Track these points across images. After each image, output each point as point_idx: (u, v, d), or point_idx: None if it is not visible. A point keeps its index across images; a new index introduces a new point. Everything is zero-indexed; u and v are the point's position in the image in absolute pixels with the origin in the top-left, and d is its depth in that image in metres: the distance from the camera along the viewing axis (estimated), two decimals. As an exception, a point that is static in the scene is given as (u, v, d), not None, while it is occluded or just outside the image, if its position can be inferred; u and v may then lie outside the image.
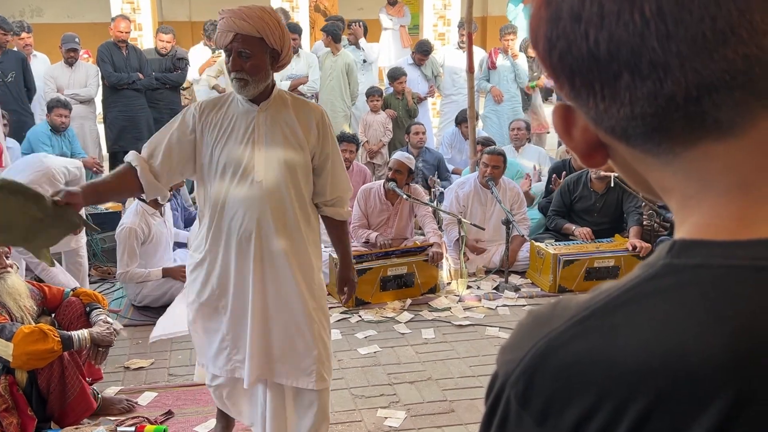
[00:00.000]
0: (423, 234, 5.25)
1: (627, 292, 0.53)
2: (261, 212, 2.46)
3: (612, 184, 5.15)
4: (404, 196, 5.00)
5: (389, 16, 9.91)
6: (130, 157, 2.48)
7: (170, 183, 2.55)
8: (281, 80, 7.24)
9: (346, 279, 2.83)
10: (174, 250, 4.96)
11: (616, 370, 0.50)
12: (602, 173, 5.13)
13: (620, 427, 0.49)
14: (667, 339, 0.50)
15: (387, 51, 9.79)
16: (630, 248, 4.91)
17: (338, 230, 2.72)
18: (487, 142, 6.18)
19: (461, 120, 7.07)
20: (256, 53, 2.36)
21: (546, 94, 9.41)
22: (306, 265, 2.57)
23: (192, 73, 7.66)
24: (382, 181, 5.22)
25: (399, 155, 5.19)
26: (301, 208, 2.53)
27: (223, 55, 2.51)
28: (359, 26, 8.09)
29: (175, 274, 4.54)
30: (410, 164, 5.10)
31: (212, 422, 3.23)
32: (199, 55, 7.81)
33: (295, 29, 7.44)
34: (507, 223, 4.84)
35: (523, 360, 0.55)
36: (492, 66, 7.95)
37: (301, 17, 9.89)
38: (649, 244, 4.94)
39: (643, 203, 5.19)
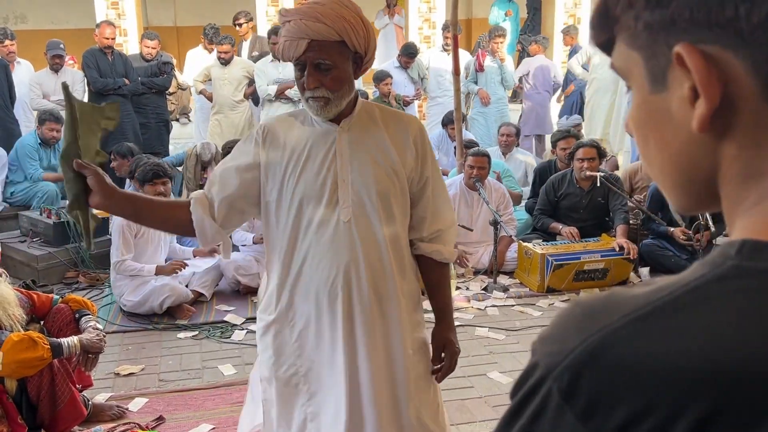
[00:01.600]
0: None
1: (691, 293, 0.51)
2: (349, 261, 1.92)
3: (598, 183, 5.20)
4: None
5: (385, 16, 10.00)
6: (195, 194, 2.00)
7: (230, 227, 2.02)
8: (267, 84, 7.25)
9: (444, 341, 2.10)
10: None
11: (675, 374, 0.49)
12: (588, 173, 5.18)
13: (674, 430, 0.48)
14: (734, 346, 0.48)
15: (378, 53, 9.82)
16: (617, 248, 4.96)
17: (437, 274, 2.10)
18: (470, 144, 6.21)
19: (447, 122, 7.11)
20: (338, 62, 1.82)
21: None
22: (404, 324, 2.02)
23: (188, 79, 7.65)
24: None
25: None
26: (396, 251, 1.98)
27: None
28: None
29: (168, 272, 4.61)
30: None
31: (204, 427, 3.23)
32: (197, 59, 7.79)
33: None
34: (495, 223, 4.88)
35: (572, 353, 0.52)
36: (480, 68, 7.99)
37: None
38: (636, 246, 4.98)
39: (629, 202, 5.24)
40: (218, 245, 2.16)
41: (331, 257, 1.92)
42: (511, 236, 5.12)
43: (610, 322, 0.52)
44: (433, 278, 2.11)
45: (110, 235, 4.84)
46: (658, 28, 0.56)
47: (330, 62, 1.82)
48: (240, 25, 8.06)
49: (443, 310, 2.12)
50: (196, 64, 7.66)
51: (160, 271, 4.59)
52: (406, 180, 1.99)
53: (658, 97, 0.58)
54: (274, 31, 7.50)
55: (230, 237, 2.12)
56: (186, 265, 4.74)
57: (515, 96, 8.60)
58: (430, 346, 2.11)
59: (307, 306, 1.96)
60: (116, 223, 4.50)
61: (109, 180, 1.81)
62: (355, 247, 1.92)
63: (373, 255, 1.94)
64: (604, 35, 0.63)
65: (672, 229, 5.07)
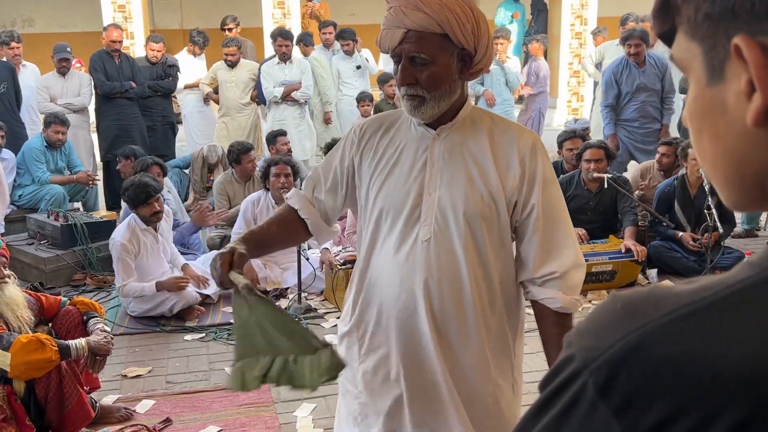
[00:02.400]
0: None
1: (736, 295, 0.51)
2: (422, 286, 1.70)
3: (605, 185, 5.18)
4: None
5: None
6: (291, 195, 1.92)
7: (336, 215, 1.93)
8: (273, 86, 7.26)
9: None
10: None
11: (716, 376, 0.48)
12: (596, 175, 5.16)
13: None
14: None
15: (384, 56, 9.86)
16: (624, 250, 4.94)
17: (548, 325, 1.77)
18: None
19: None
20: (438, 57, 1.62)
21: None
22: (483, 366, 1.76)
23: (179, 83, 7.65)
24: None
25: None
26: (488, 287, 1.74)
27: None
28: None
29: (169, 287, 4.47)
30: None
31: (211, 429, 3.23)
32: (182, 63, 7.78)
33: (288, 35, 7.46)
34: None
35: (611, 349, 0.52)
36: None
37: (294, 23, 9.91)
38: (644, 247, 4.96)
39: (637, 204, 5.22)
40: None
41: (404, 278, 1.71)
42: None
43: (651, 319, 0.52)
44: (545, 329, 1.78)
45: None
46: (719, 19, 0.55)
47: (427, 56, 1.60)
48: (229, 29, 8.05)
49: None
50: (181, 68, 7.67)
51: (160, 288, 4.45)
52: (506, 204, 1.70)
53: (714, 89, 0.57)
54: (279, 34, 7.51)
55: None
56: (189, 282, 4.61)
57: (521, 100, 8.57)
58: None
59: (376, 327, 1.77)
60: (113, 250, 4.40)
61: (238, 254, 1.69)
62: (431, 271, 1.69)
63: (451, 283, 1.69)
64: (666, 25, 0.62)
65: (681, 234, 5.05)
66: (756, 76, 0.53)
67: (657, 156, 5.75)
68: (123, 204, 5.07)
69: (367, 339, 1.79)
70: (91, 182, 6.40)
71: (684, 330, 0.50)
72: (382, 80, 7.59)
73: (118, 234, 4.45)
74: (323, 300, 4.83)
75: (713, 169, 0.60)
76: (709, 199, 4.85)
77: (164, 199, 4.81)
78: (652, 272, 5.19)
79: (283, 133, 6.51)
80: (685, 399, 0.49)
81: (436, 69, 1.62)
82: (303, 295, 4.73)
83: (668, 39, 0.63)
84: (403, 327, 1.72)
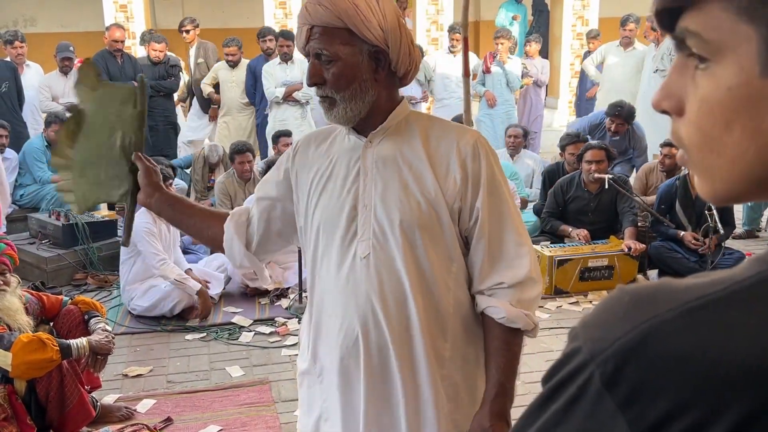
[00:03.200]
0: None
1: (747, 290, 0.50)
2: (366, 308, 1.53)
3: (606, 186, 5.18)
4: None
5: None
6: (237, 209, 1.77)
7: (267, 251, 1.75)
8: (275, 86, 7.27)
9: (483, 427, 1.52)
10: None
11: (725, 369, 0.48)
12: (596, 176, 5.16)
13: (716, 426, 0.48)
14: None
15: None
16: (625, 249, 4.95)
17: (492, 338, 1.57)
18: None
19: None
20: (342, 54, 1.48)
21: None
22: (440, 403, 1.57)
23: None
24: None
25: None
26: (436, 308, 1.56)
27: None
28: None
29: (196, 281, 4.50)
30: None
31: (212, 428, 3.24)
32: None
33: (289, 36, 7.46)
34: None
35: (619, 340, 0.51)
36: (487, 70, 7.99)
37: (296, 24, 9.91)
38: (644, 245, 4.97)
39: (637, 204, 5.22)
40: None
41: (346, 303, 1.55)
42: None
43: (660, 312, 0.51)
44: (489, 343, 1.58)
45: (119, 237, 4.84)
46: None
47: (329, 53, 1.47)
48: (187, 31, 8.02)
49: (491, 389, 1.54)
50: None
51: (192, 276, 4.52)
52: (448, 212, 1.53)
53: None
54: (281, 34, 7.52)
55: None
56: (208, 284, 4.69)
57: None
58: None
59: (327, 362, 1.60)
60: (140, 233, 4.36)
61: (158, 178, 1.72)
62: (373, 289, 1.52)
63: (396, 303, 1.53)
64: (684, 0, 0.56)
65: (682, 233, 5.06)
66: None
67: (660, 157, 5.76)
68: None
69: (324, 378, 1.62)
70: None
71: (694, 323, 0.50)
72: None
73: (140, 223, 4.39)
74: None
75: (732, 164, 0.56)
76: (710, 200, 4.85)
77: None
78: (653, 273, 5.19)
79: (287, 134, 6.51)
80: (693, 392, 0.49)
81: (342, 67, 1.48)
82: (304, 294, 4.74)
83: (673, 15, 0.58)
84: (350, 363, 1.55)
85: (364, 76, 1.50)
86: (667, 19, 0.58)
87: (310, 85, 1.53)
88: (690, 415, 0.49)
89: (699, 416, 0.48)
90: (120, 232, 4.91)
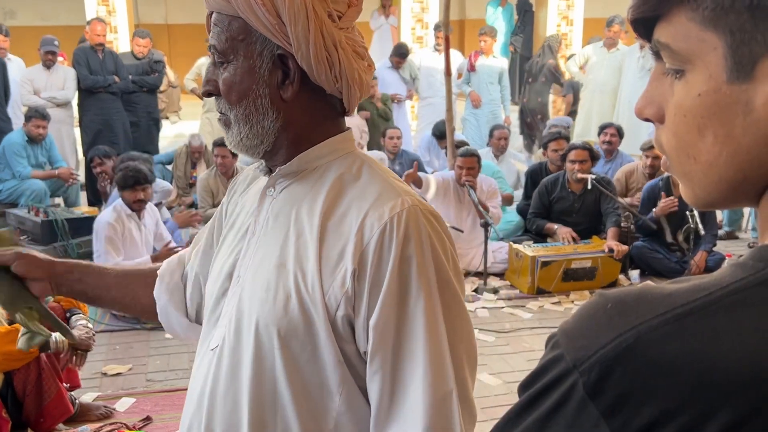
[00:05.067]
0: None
1: (731, 295, 0.50)
2: (193, 415, 1.11)
3: (589, 186, 5.20)
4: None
5: (380, 16, 10.04)
6: (164, 266, 1.34)
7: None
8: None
9: None
10: None
11: (711, 376, 0.48)
12: (580, 175, 5.18)
13: None
14: None
15: (373, 53, 9.85)
16: (607, 250, 4.97)
17: None
18: (460, 144, 6.19)
19: (439, 135, 6.86)
20: (231, 53, 1.05)
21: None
22: None
23: None
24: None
25: (378, 158, 5.15)
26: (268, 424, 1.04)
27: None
28: None
29: (165, 257, 4.50)
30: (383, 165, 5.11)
31: (191, 428, 3.21)
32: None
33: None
34: (485, 225, 4.88)
35: (603, 349, 0.51)
36: (471, 68, 8.00)
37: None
38: (626, 247, 4.99)
39: (620, 204, 5.25)
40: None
41: (189, 399, 1.14)
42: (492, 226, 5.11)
43: (645, 319, 0.51)
44: None
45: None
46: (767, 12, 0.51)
47: (218, 50, 1.05)
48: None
49: None
50: None
51: (156, 259, 4.53)
52: (328, 320, 1.00)
53: (736, 87, 0.53)
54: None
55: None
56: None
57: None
58: None
59: None
60: (99, 228, 4.41)
61: (41, 259, 1.27)
62: (205, 399, 1.08)
63: (227, 417, 1.06)
64: (661, 9, 0.57)
65: (654, 210, 5.06)
66: None
67: (649, 160, 5.69)
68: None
69: None
70: (71, 180, 6.34)
71: (680, 330, 0.50)
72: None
73: (106, 215, 4.51)
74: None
75: (708, 169, 0.57)
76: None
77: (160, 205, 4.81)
78: (634, 273, 5.22)
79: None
80: (679, 399, 0.48)
81: (233, 71, 1.04)
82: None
83: (646, 25, 0.59)
84: None
85: (260, 86, 1.04)
86: (642, 28, 0.60)
87: (204, 94, 1.10)
88: (676, 422, 0.48)
89: (685, 423, 0.48)
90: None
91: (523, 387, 0.56)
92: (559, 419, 0.52)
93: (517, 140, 8.45)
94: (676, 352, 0.49)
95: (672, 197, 5.00)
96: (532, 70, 8.44)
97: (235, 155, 5.72)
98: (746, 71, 0.53)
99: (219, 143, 5.69)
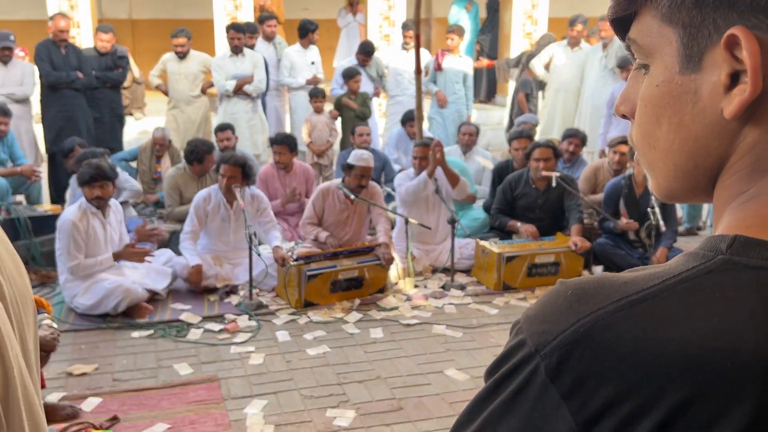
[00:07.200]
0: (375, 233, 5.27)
1: (682, 283, 0.53)
2: None
3: (554, 184, 5.28)
4: (353, 197, 5.04)
5: (348, 14, 10.03)
6: None
7: None
8: (226, 79, 7.18)
9: None
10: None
11: (662, 359, 0.51)
12: (544, 173, 5.26)
13: (653, 412, 0.50)
14: (722, 336, 0.50)
15: (340, 50, 9.89)
16: (572, 246, 5.06)
17: None
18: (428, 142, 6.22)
19: (406, 120, 7.15)
20: None
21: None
22: None
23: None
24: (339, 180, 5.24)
25: (363, 158, 5.08)
26: None
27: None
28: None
29: (128, 255, 4.55)
30: (372, 164, 5.12)
31: (159, 427, 3.19)
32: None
33: (240, 28, 7.38)
34: (452, 222, 4.93)
35: (563, 333, 0.54)
36: (438, 68, 8.04)
37: (245, 16, 9.79)
38: (589, 243, 5.08)
39: (582, 202, 5.33)
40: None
41: None
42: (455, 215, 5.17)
43: (602, 305, 0.54)
44: None
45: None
46: (713, 7, 0.55)
47: None
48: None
49: None
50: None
51: (118, 257, 4.52)
52: None
53: (687, 77, 0.57)
54: (232, 26, 7.43)
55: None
56: (152, 253, 4.68)
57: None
58: None
59: None
60: (64, 227, 4.37)
61: None
62: None
63: None
64: (631, 8, 0.61)
65: (618, 221, 5.16)
66: (751, 69, 0.53)
67: (617, 156, 5.71)
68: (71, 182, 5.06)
69: None
70: (34, 177, 6.22)
71: (634, 315, 0.53)
72: (347, 75, 7.54)
73: (69, 213, 4.46)
74: (275, 296, 4.82)
75: (665, 157, 0.61)
76: (654, 199, 5.00)
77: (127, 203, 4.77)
78: (598, 269, 5.32)
79: (223, 128, 6.45)
80: (632, 380, 0.51)
81: None
82: (254, 291, 4.70)
83: (623, 24, 0.63)
84: None
85: None
86: (620, 29, 0.65)
87: None
88: (630, 402, 0.51)
89: (638, 403, 0.51)
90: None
91: (489, 373, 0.58)
92: (523, 402, 0.55)
93: (483, 138, 8.52)
94: (629, 337, 0.52)
95: (632, 221, 5.12)
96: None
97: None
98: (695, 62, 0.57)
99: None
